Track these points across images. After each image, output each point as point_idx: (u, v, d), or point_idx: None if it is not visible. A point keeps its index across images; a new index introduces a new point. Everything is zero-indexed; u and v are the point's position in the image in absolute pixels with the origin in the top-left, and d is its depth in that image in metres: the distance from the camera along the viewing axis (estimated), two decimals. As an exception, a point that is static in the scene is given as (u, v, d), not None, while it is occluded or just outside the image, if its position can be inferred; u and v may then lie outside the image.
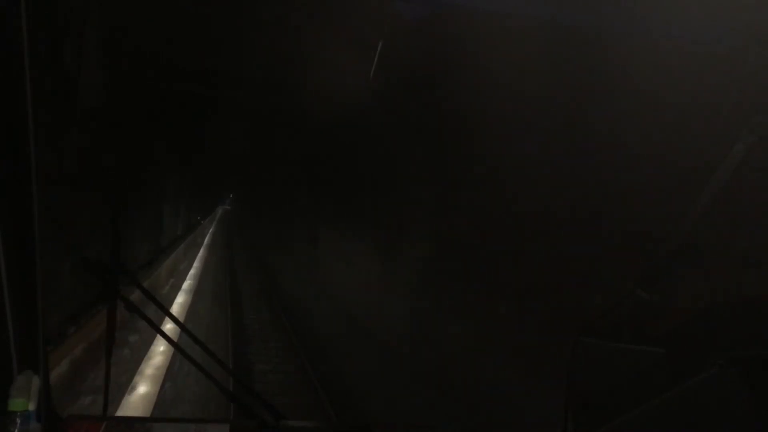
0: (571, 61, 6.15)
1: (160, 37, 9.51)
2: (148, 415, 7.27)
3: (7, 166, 1.60)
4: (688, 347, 1.80)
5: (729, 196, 1.81)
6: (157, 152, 14.07)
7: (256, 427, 2.12)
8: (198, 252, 29.87)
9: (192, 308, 15.76)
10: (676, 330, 1.93)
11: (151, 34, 9.16)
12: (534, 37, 5.85)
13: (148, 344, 9.99)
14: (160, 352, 9.98)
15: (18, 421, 1.63)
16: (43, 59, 5.30)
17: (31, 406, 1.66)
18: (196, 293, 18.15)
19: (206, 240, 39.16)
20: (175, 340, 2.22)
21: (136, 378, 8.79)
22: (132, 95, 9.39)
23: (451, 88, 8.87)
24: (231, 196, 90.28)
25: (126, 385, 8.32)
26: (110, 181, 8.17)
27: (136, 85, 9.69)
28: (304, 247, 26.86)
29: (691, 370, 1.56)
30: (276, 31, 9.57)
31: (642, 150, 5.31)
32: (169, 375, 9.16)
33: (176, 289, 17.58)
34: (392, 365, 11.29)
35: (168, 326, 2.82)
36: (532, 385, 6.68)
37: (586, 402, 1.90)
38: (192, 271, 22.62)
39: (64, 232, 5.99)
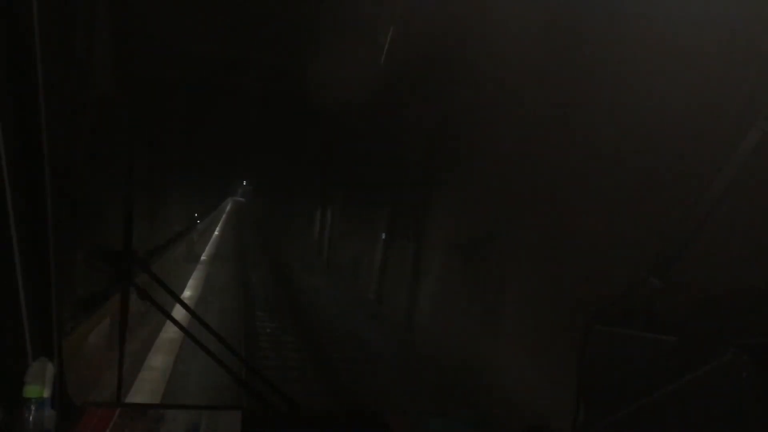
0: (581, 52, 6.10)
1: (169, 23, 9.49)
2: (159, 401, 7.33)
3: (21, 155, 1.60)
4: (700, 335, 1.79)
5: (744, 182, 1.79)
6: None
7: (268, 414, 2.12)
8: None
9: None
10: (689, 317, 1.92)
11: (161, 21, 9.15)
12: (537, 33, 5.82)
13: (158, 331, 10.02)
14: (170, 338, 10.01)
15: (33, 408, 1.65)
16: (53, 47, 5.29)
17: (46, 393, 1.68)
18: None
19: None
20: (186, 326, 2.23)
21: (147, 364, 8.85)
22: (142, 81, 9.39)
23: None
24: (245, 183, 79.63)
25: (137, 371, 8.38)
26: (123, 168, 8.19)
27: (146, 71, 9.69)
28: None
29: (703, 358, 1.55)
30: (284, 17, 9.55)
31: (656, 138, 5.25)
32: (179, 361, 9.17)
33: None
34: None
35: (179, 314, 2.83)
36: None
37: (598, 390, 1.89)
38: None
39: (77, 219, 6.01)
